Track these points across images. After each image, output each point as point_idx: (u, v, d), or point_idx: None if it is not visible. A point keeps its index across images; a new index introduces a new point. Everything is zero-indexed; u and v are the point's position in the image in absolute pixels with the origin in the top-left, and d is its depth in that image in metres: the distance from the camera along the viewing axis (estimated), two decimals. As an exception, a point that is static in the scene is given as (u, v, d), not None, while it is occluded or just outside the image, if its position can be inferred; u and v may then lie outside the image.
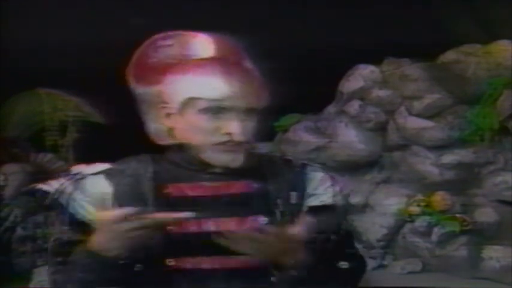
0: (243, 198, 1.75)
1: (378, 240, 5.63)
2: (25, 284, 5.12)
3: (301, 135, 6.02)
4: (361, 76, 6.11)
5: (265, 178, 1.79)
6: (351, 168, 5.79)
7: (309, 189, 1.82)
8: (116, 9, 5.98)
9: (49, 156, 6.08)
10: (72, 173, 1.81)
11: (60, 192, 1.78)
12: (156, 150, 1.85)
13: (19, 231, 5.64)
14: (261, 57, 1.84)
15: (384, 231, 5.61)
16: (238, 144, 1.73)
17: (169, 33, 1.87)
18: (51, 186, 1.81)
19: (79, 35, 5.96)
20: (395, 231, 5.68)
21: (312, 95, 5.73)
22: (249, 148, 1.78)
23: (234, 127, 1.71)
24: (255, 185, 1.77)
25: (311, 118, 6.16)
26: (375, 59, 6.10)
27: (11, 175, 5.78)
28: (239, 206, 1.74)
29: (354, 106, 6.03)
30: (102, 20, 6.00)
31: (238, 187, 1.76)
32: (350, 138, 5.95)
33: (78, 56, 5.73)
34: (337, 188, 1.86)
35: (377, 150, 6.00)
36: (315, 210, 1.80)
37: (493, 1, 6.09)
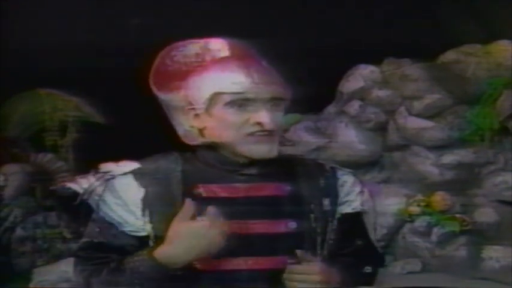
0: (275, 201, 1.74)
1: (378, 240, 5.60)
2: (25, 284, 5.12)
3: (301, 135, 6.02)
4: (361, 76, 6.12)
5: (297, 181, 1.78)
6: (351, 168, 5.78)
7: (341, 196, 1.83)
8: (115, 9, 5.98)
9: (49, 156, 6.07)
10: (100, 172, 1.79)
11: (90, 192, 1.76)
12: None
13: (19, 231, 5.64)
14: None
15: (384, 231, 5.60)
16: (270, 133, 1.72)
17: (184, 41, 1.88)
18: (80, 185, 1.79)
19: (79, 35, 5.96)
20: (395, 231, 5.68)
21: (312, 95, 5.72)
22: (282, 140, 1.78)
23: (262, 116, 1.70)
24: (287, 188, 1.76)
25: (311, 118, 6.16)
26: (375, 59, 6.10)
27: (11, 175, 5.78)
28: (271, 208, 1.73)
29: (354, 106, 6.03)
30: (102, 20, 6.00)
31: (270, 189, 1.75)
32: (350, 138, 5.95)
33: (78, 56, 5.73)
34: (367, 194, 1.88)
35: (377, 150, 6.01)
36: (347, 217, 1.82)
37: (493, 1, 6.09)
